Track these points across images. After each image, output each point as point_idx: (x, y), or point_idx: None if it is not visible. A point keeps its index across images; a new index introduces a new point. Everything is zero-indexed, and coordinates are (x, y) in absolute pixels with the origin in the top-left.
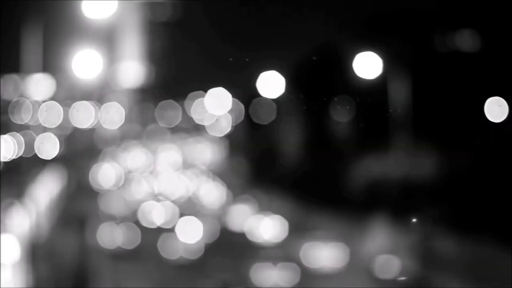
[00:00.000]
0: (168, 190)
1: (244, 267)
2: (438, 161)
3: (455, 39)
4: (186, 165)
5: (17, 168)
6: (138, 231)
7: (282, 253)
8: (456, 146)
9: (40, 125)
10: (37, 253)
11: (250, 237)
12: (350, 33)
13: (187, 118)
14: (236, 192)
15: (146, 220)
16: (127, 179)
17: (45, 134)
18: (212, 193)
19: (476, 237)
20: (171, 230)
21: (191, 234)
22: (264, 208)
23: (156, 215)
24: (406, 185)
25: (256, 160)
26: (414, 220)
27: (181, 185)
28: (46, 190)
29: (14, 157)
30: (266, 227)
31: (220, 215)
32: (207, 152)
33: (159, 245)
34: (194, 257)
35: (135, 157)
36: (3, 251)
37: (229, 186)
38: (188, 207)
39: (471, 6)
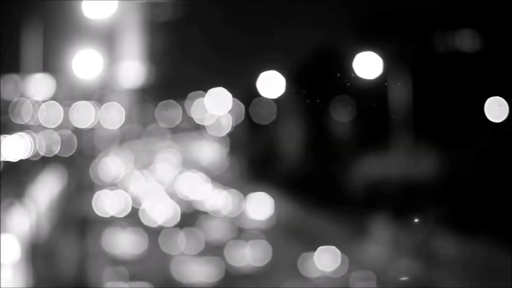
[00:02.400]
0: (160, 182)
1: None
2: (439, 161)
3: (455, 39)
4: (185, 164)
5: (17, 168)
6: (129, 199)
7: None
8: (456, 146)
9: (40, 125)
10: (37, 253)
11: (211, 213)
12: (351, 33)
13: (188, 118)
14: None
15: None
16: (125, 175)
17: (45, 134)
18: (200, 187)
19: (476, 237)
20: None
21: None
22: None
23: (142, 191)
24: (407, 185)
25: (256, 160)
26: (415, 220)
27: (172, 179)
28: (46, 190)
29: (18, 157)
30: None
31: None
32: (207, 152)
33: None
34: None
35: (134, 156)
36: (3, 251)
37: (225, 185)
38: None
39: (471, 6)
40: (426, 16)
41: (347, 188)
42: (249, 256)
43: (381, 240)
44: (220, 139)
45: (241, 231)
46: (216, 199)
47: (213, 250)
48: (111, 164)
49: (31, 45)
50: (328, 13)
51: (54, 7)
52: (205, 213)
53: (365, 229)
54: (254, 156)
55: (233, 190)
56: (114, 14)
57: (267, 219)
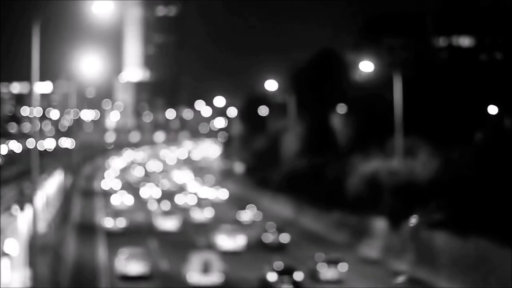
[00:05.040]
0: (153, 174)
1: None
2: (438, 161)
3: (455, 41)
4: (180, 162)
5: (17, 168)
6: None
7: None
8: (455, 146)
9: (41, 127)
10: (37, 253)
11: (185, 193)
12: (352, 33)
13: (188, 121)
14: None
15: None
16: (126, 169)
17: (47, 135)
18: (185, 179)
19: (476, 236)
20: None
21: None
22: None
23: (137, 172)
24: (406, 185)
25: (255, 160)
26: (414, 219)
27: (164, 173)
28: (46, 190)
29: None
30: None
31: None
32: (204, 151)
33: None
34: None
35: (135, 154)
36: (3, 252)
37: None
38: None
39: (471, 8)
40: (427, 18)
41: (346, 189)
42: (202, 214)
43: (379, 239)
44: (218, 140)
45: (200, 200)
46: (194, 186)
47: (179, 211)
48: (114, 161)
49: (33, 51)
50: (329, 14)
51: (55, 10)
52: (181, 193)
53: (365, 229)
54: (253, 156)
55: (211, 183)
56: (117, 16)
57: (222, 197)
